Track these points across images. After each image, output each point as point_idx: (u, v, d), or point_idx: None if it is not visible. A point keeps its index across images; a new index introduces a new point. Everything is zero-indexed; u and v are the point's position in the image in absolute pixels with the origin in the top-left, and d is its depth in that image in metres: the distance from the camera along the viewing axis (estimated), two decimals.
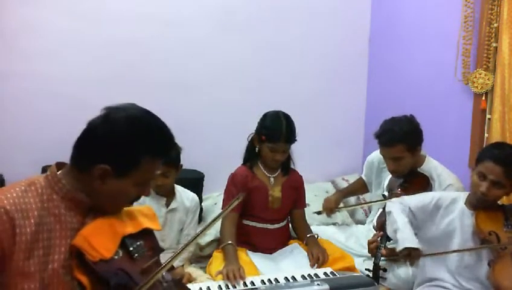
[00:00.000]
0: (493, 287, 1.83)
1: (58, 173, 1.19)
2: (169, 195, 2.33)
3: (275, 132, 2.22)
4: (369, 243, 2.15)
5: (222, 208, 2.31)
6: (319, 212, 2.74)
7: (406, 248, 1.88)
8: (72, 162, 1.20)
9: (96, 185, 1.17)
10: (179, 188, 2.37)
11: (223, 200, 2.34)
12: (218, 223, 2.35)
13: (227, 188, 2.34)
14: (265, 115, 2.31)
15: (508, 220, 1.90)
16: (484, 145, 2.51)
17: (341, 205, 2.83)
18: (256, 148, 2.32)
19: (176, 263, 2.23)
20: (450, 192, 2.16)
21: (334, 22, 3.46)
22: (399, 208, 2.05)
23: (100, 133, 1.17)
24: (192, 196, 2.40)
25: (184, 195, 2.37)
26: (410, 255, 1.90)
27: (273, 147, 2.24)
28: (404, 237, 1.91)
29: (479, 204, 1.92)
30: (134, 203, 2.08)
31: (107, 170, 1.15)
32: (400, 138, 2.26)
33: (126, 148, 1.16)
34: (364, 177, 2.80)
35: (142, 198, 2.27)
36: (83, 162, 1.18)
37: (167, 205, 2.31)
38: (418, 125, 2.34)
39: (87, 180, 1.17)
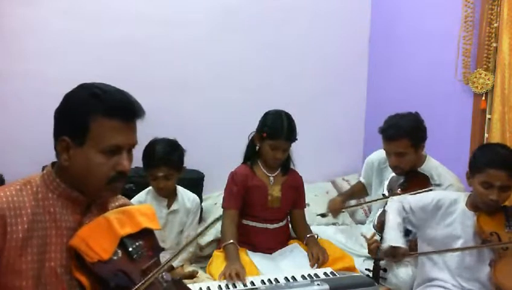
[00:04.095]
0: (494, 287, 1.83)
1: (54, 171, 1.20)
2: (171, 196, 2.32)
3: (276, 129, 2.23)
4: (369, 243, 2.15)
5: (222, 206, 2.32)
6: (323, 215, 2.68)
7: (390, 247, 1.93)
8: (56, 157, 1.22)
9: (64, 162, 1.16)
10: (180, 189, 2.37)
11: (223, 198, 2.34)
12: (218, 223, 2.35)
13: (227, 186, 2.34)
14: (266, 113, 2.33)
15: (509, 220, 1.89)
16: None
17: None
18: (257, 147, 2.32)
19: (176, 263, 2.23)
20: (450, 192, 2.15)
21: (334, 22, 3.45)
22: (396, 208, 2.08)
23: (56, 111, 1.21)
24: (194, 197, 2.40)
25: (185, 196, 2.37)
26: (394, 254, 1.95)
27: (274, 145, 2.24)
28: (389, 237, 1.97)
29: (489, 209, 1.90)
30: (135, 203, 2.07)
31: (66, 140, 1.15)
32: (406, 133, 2.26)
33: (72, 113, 1.17)
34: (363, 180, 2.79)
35: (144, 198, 2.30)
36: (55, 148, 1.19)
37: (168, 206, 2.31)
38: (423, 122, 2.35)
39: (62, 165, 1.18)
